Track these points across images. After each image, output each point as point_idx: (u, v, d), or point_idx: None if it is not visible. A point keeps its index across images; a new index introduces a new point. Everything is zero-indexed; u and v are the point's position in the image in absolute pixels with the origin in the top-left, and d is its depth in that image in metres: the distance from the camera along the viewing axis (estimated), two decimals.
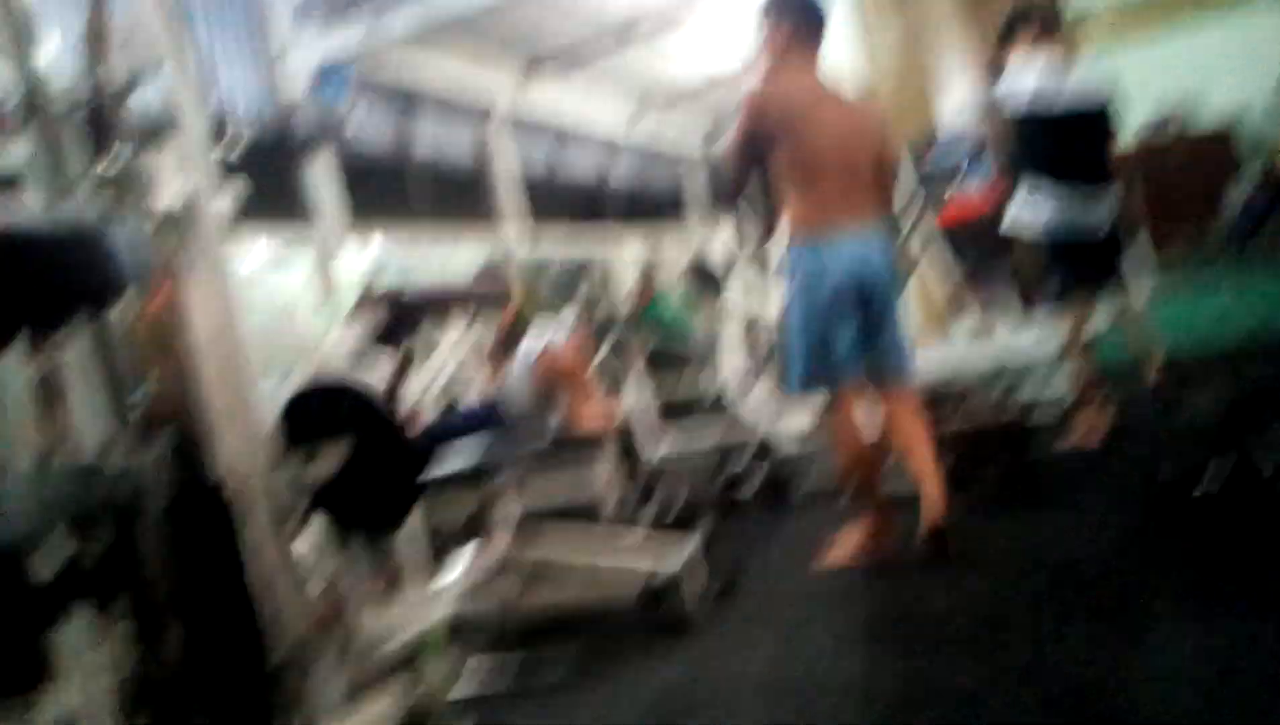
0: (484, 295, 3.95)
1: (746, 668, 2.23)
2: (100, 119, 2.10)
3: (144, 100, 2.19)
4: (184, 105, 2.07)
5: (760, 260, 8.81)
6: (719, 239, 6.22)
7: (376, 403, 2.12)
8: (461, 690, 2.30)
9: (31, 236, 1.40)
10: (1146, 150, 12.97)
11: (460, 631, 2.89)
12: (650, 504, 3.64)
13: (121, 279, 1.56)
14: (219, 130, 2.37)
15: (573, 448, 3.56)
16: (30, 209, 1.91)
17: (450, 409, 4.13)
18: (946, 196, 8.22)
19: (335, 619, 2.26)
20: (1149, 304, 5.64)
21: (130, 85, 2.22)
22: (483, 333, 5.36)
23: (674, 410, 8.06)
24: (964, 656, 2.05)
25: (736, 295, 6.03)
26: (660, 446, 6.34)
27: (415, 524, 2.58)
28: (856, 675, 2.08)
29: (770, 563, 3.12)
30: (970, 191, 7.87)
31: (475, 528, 3.99)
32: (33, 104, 1.80)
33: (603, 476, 3.74)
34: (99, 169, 2.12)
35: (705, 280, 5.95)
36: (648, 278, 11.20)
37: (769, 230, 3.25)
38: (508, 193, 10.60)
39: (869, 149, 2.99)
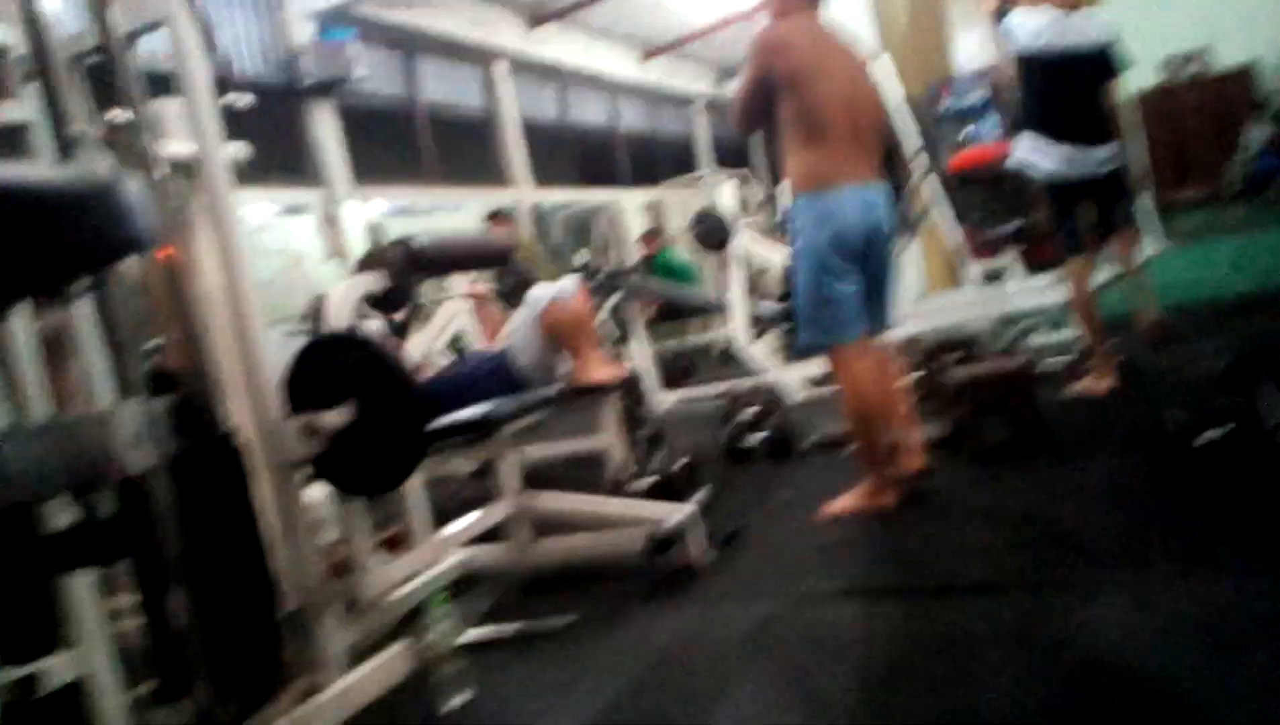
0: (492, 246, 3.94)
1: (750, 617, 2.26)
2: (106, 71, 2.08)
3: (149, 51, 2.18)
4: (188, 55, 2.05)
5: (769, 208, 8.76)
6: (727, 187, 6.17)
7: (385, 355, 2.13)
8: (468, 641, 2.33)
9: (38, 192, 1.40)
10: (1165, 89, 12.83)
11: (467, 583, 2.94)
12: (657, 454, 3.67)
13: (131, 235, 1.56)
14: (224, 80, 2.35)
15: (580, 398, 3.57)
16: (36, 164, 1.91)
17: (458, 359, 4.15)
18: (961, 140, 8.15)
19: (344, 570, 2.29)
20: (1151, 257, 5.61)
21: (134, 36, 2.20)
22: (490, 283, 5.38)
23: (681, 360, 8.09)
24: (964, 606, 2.08)
25: (744, 244, 5.99)
26: (667, 396, 6.37)
27: (423, 476, 2.60)
28: (858, 626, 2.10)
29: (776, 513, 3.14)
30: (983, 139, 7.80)
31: (482, 479, 4.03)
32: (38, 56, 1.79)
33: (610, 427, 3.76)
34: (105, 121, 2.12)
35: (713, 229, 5.91)
36: (656, 226, 11.16)
37: (776, 177, 3.26)
38: (514, 139, 10.51)
39: (873, 106, 3.04)
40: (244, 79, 7.32)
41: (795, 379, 5.58)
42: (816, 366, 5.62)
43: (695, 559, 2.68)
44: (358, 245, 7.53)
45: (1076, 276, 3.99)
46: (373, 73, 8.38)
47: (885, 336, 3.07)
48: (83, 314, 1.68)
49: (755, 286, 7.06)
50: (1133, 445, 2.80)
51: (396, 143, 9.31)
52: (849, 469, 3.31)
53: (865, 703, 1.73)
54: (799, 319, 2.94)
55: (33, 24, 1.79)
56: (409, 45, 9.46)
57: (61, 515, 1.56)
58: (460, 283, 5.14)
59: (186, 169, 2.33)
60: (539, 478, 4.36)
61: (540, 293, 3.61)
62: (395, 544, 2.66)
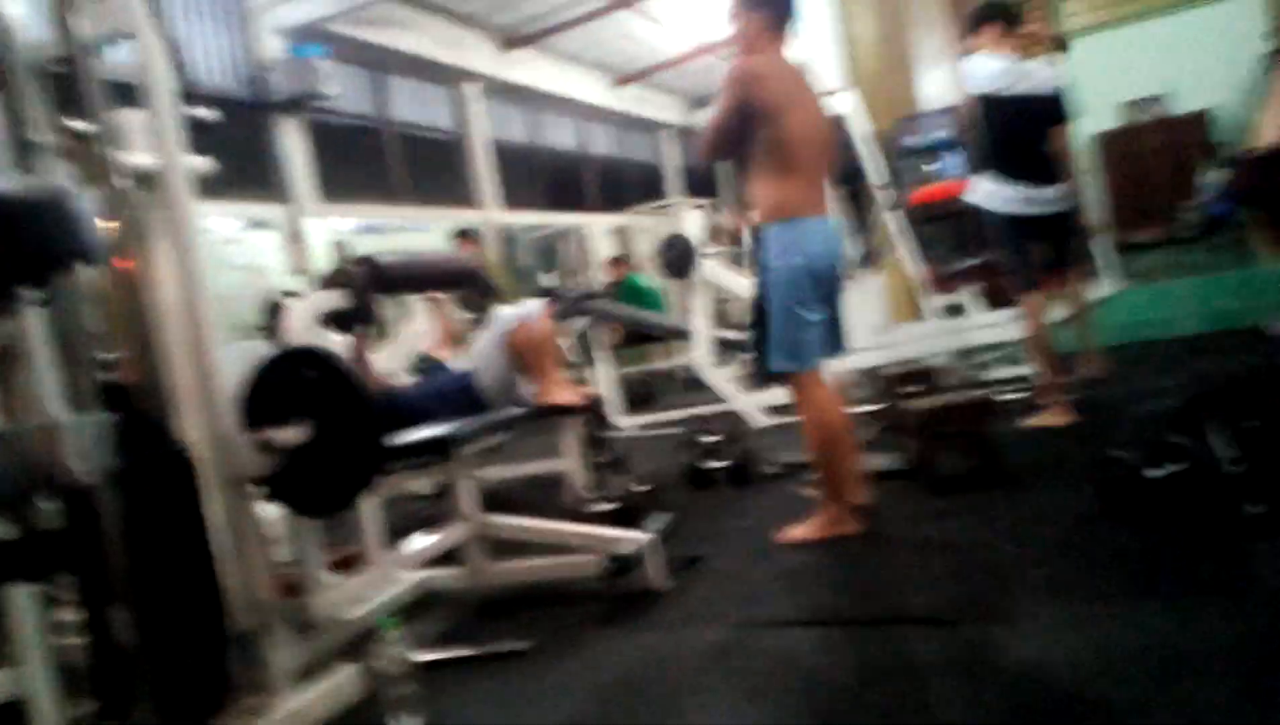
0: (458, 266, 3.93)
1: (706, 643, 2.26)
2: (68, 80, 2.07)
3: (113, 59, 2.16)
4: (153, 66, 2.04)
5: (734, 236, 8.82)
6: (694, 215, 6.22)
7: (344, 371, 2.11)
8: (421, 662, 2.31)
9: None
10: (1124, 132, 13.13)
11: (422, 604, 2.91)
12: (617, 479, 3.66)
13: (77, 246, 1.54)
14: (189, 92, 2.34)
15: (542, 420, 3.56)
16: None
17: (421, 377, 4.13)
18: (924, 175, 8.28)
19: (295, 589, 2.26)
20: (1109, 296, 5.73)
21: (99, 45, 2.19)
22: (455, 303, 5.36)
23: (645, 385, 8.10)
24: (918, 634, 2.09)
25: (710, 271, 6.03)
26: (630, 421, 6.38)
27: (379, 495, 2.58)
28: (811, 653, 2.11)
29: (735, 539, 3.15)
30: (947, 174, 7.93)
31: (441, 500, 4.01)
32: None
33: (571, 450, 3.75)
34: (66, 130, 2.09)
35: (680, 255, 5.95)
36: (623, 251, 11.20)
37: (743, 207, 3.30)
38: (484, 161, 10.52)
39: (827, 141, 3.12)
40: (212, 92, 7.27)
41: (757, 406, 5.61)
42: (778, 394, 5.66)
43: (654, 584, 2.68)
44: (322, 262, 7.48)
45: (1032, 312, 4.08)
46: (343, 90, 8.36)
47: (835, 367, 3.09)
48: (34, 325, 1.65)
49: (720, 314, 7.11)
50: (1084, 479, 2.84)
51: (365, 161, 9.28)
52: (808, 492, 3.33)
53: None
54: (771, 344, 2.94)
55: None
56: (380, 64, 9.46)
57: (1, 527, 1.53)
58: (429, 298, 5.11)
59: (148, 180, 2.31)
60: (498, 500, 4.35)
61: (506, 314, 3.60)
62: (349, 564, 2.63)
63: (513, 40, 10.91)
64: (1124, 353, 5.75)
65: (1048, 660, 1.85)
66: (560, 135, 12.86)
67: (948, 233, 6.60)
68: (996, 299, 5.76)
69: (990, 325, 5.54)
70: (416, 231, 10.06)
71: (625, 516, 3.33)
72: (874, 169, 5.80)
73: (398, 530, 2.99)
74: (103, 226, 1.68)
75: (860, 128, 5.74)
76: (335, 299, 2.62)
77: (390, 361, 4.85)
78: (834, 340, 3.08)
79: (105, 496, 1.64)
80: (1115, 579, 2.21)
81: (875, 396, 4.99)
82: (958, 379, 5.33)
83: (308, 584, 2.21)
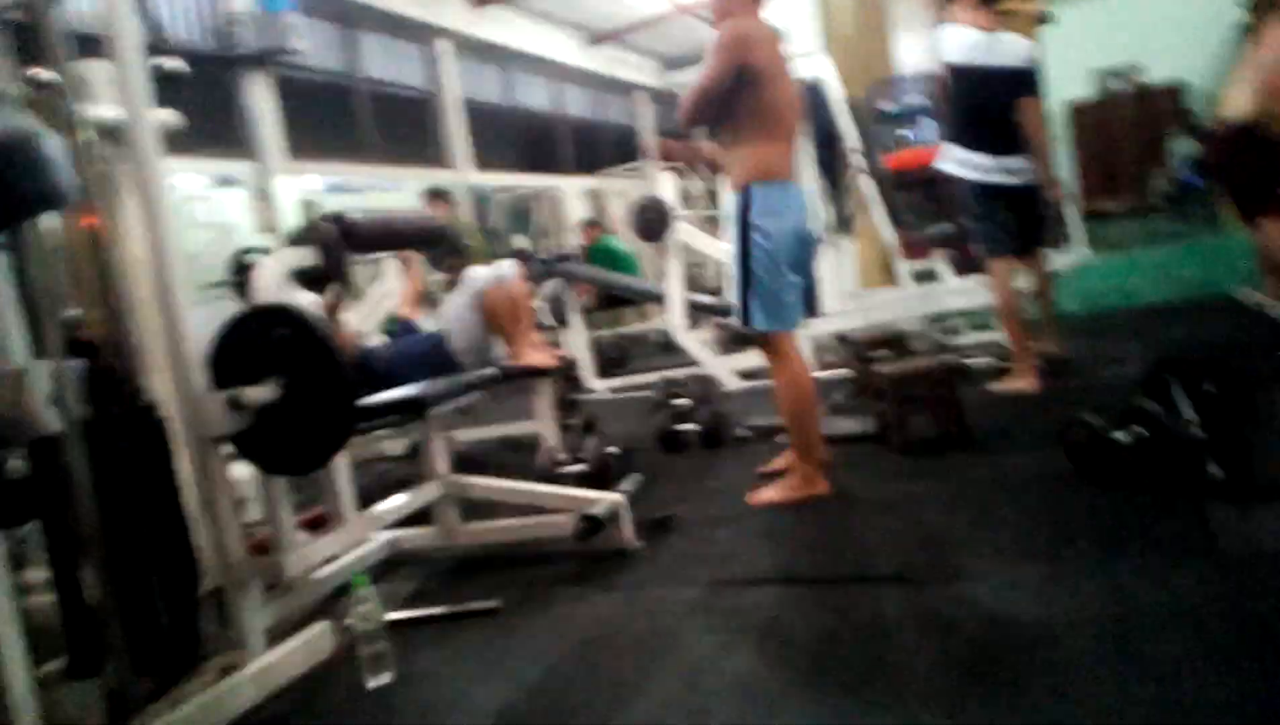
0: (429, 226, 3.90)
1: (676, 602, 2.28)
2: (30, 27, 2.01)
3: (76, 8, 2.11)
4: (117, 15, 1.99)
5: (711, 198, 8.78)
6: (667, 178, 6.19)
7: (315, 329, 2.09)
8: (392, 621, 2.31)
9: None
10: (1096, 103, 13.20)
11: (393, 564, 2.91)
12: (589, 441, 3.67)
13: (49, 190, 1.51)
14: (155, 44, 2.29)
15: (514, 382, 3.56)
16: None
17: (393, 338, 4.10)
18: (899, 139, 8.29)
19: (266, 548, 2.26)
20: (1071, 265, 5.79)
21: None
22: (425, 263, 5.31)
23: (617, 348, 8.10)
24: (885, 592, 2.12)
25: (683, 235, 6.02)
26: (602, 384, 6.38)
27: (349, 455, 2.57)
28: (780, 611, 2.14)
29: (705, 500, 3.17)
30: (921, 141, 7.94)
31: (412, 460, 4.00)
32: None
33: (543, 412, 3.75)
34: (27, 80, 2.05)
35: (653, 219, 5.92)
36: (596, 214, 11.14)
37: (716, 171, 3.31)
38: (456, 120, 10.39)
39: (798, 109, 3.13)
40: (179, 45, 7.11)
41: (729, 369, 5.63)
42: (749, 358, 5.68)
43: (625, 544, 2.70)
44: (291, 220, 7.39)
45: (1000, 278, 4.13)
46: (312, 45, 8.22)
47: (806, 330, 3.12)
48: None
49: (693, 277, 7.10)
50: (1051, 443, 2.88)
51: (335, 118, 9.15)
52: (779, 454, 3.36)
53: (785, 684, 1.76)
54: (755, 303, 2.93)
55: None
56: (350, 19, 9.30)
57: None
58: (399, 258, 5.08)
59: (113, 134, 2.27)
60: (470, 461, 4.35)
61: (478, 275, 3.58)
62: (320, 523, 2.63)
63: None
64: (1092, 320, 5.83)
65: (1013, 618, 1.88)
66: (534, 95, 12.73)
67: (921, 199, 6.62)
68: (968, 265, 5.80)
69: (961, 291, 5.58)
70: (387, 190, 9.94)
71: (597, 478, 3.34)
72: (848, 134, 5.79)
73: (369, 491, 2.99)
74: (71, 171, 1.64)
75: (835, 92, 5.72)
76: (305, 256, 2.59)
77: (361, 321, 4.81)
78: (807, 304, 3.10)
79: (72, 447, 1.62)
80: (1081, 539, 2.25)
81: (846, 361, 5.03)
82: (928, 344, 5.38)
83: (279, 543, 2.21)
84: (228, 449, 2.10)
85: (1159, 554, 2.09)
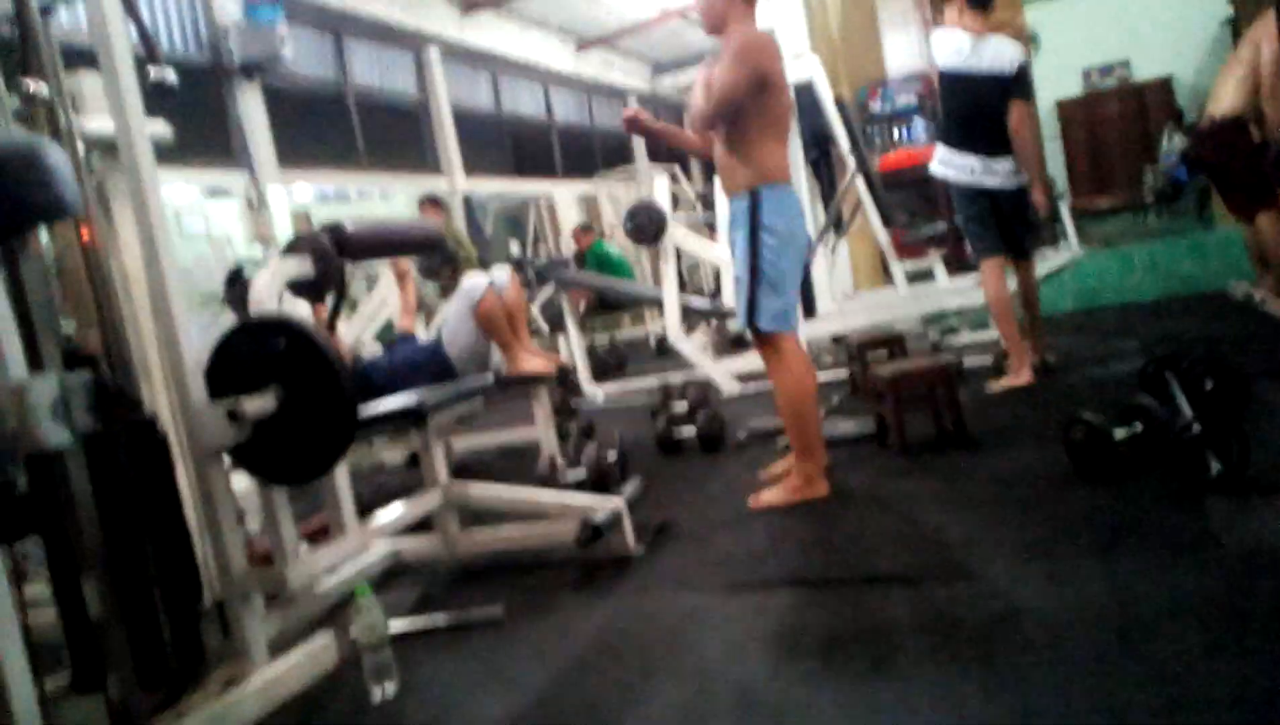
0: (423, 233, 3.89)
1: (679, 607, 2.28)
2: (22, 39, 2.01)
3: (70, 22, 2.11)
4: (108, 27, 1.98)
5: (705, 203, 8.78)
6: (661, 182, 6.19)
7: (313, 339, 2.09)
8: (399, 630, 2.31)
9: None
10: (1085, 99, 13.25)
11: (395, 573, 2.90)
12: (588, 446, 3.67)
13: (53, 200, 1.50)
14: (147, 55, 2.28)
15: (512, 388, 3.56)
16: None
17: (390, 347, 4.10)
18: (891, 139, 8.32)
19: (268, 559, 2.25)
20: (1063, 264, 5.81)
21: (51, 5, 2.13)
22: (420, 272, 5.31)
23: (613, 353, 8.10)
24: (888, 593, 2.12)
25: (678, 238, 6.02)
26: (599, 389, 6.38)
27: (350, 464, 2.56)
28: (783, 615, 2.14)
29: (705, 505, 3.16)
30: (914, 142, 7.97)
31: (412, 469, 3.99)
32: None
33: (541, 418, 3.75)
34: (19, 93, 2.04)
35: (647, 223, 5.93)
36: (590, 219, 11.15)
37: (710, 174, 3.33)
38: (446, 127, 10.38)
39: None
40: (167, 56, 7.10)
41: (726, 373, 5.63)
42: (747, 362, 5.69)
43: (626, 550, 2.69)
44: (283, 230, 7.37)
45: (991, 277, 4.18)
46: (301, 54, 8.21)
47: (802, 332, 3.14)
48: None
49: (688, 281, 7.10)
50: (1050, 441, 2.88)
51: (325, 127, 9.12)
52: (776, 460, 3.36)
53: (790, 689, 1.75)
54: (764, 303, 2.93)
55: None
56: (339, 27, 9.28)
57: None
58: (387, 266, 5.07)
59: (107, 146, 2.26)
60: (469, 468, 4.34)
61: (474, 282, 3.58)
62: (321, 534, 2.62)
63: (472, 3, 10.74)
64: (1086, 317, 5.84)
65: (1016, 617, 1.88)
66: (525, 101, 12.72)
67: (914, 199, 6.64)
68: (962, 265, 5.82)
69: (956, 291, 5.60)
70: (379, 199, 9.93)
71: (597, 484, 3.34)
72: (840, 135, 5.80)
73: (370, 501, 2.98)
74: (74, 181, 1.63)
75: (825, 93, 5.73)
76: (301, 266, 2.58)
77: (358, 332, 4.81)
78: (803, 306, 3.12)
79: (72, 461, 1.62)
80: (1082, 537, 2.26)
81: (843, 362, 5.03)
82: (925, 344, 5.39)
83: (280, 554, 2.20)
84: (227, 460, 2.09)
85: (1160, 550, 2.09)
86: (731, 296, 3.28)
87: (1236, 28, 7.86)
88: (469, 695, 2.00)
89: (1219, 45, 11.49)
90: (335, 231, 2.70)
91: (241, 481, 2.30)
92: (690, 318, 6.31)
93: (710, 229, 7.64)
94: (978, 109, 4.10)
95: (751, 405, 4.84)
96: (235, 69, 7.56)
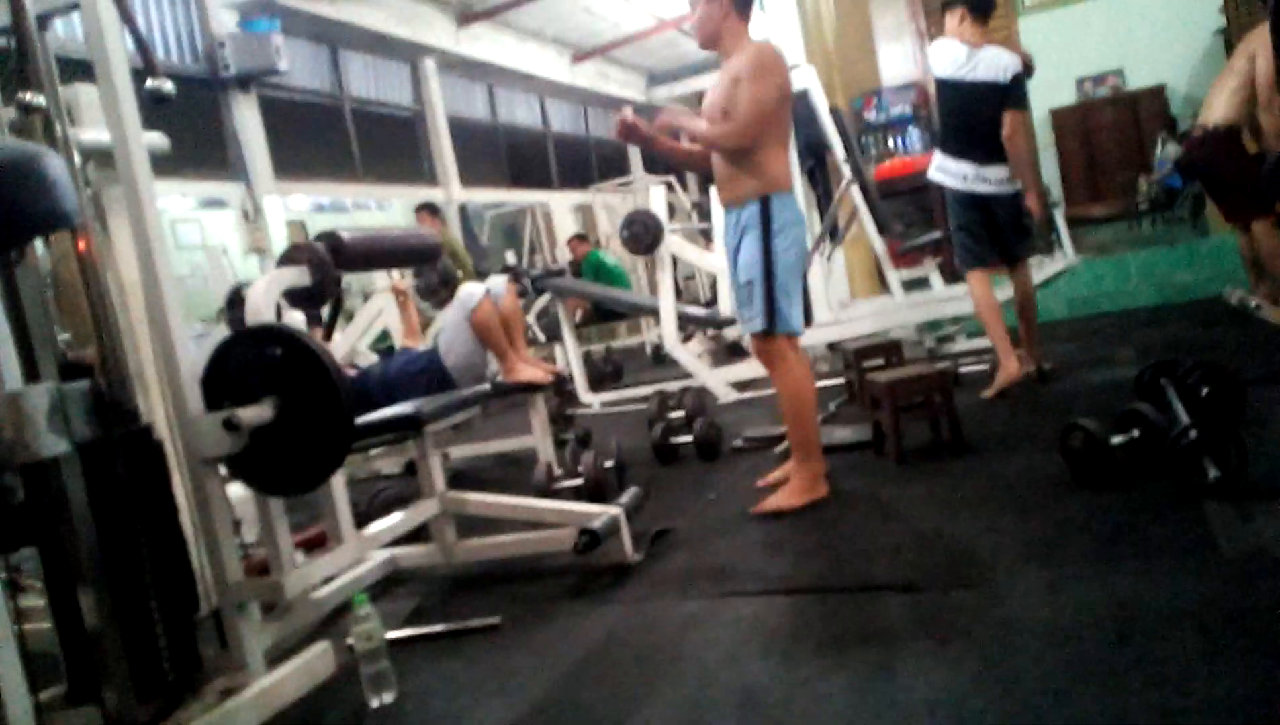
0: (420, 242, 3.89)
1: (678, 614, 2.28)
2: (18, 50, 2.01)
3: (67, 33, 2.11)
4: (105, 38, 1.98)
5: (700, 212, 8.80)
6: (656, 192, 6.20)
7: (309, 349, 2.08)
8: (393, 640, 2.30)
9: None
10: (1078, 108, 13.30)
11: (392, 582, 2.90)
12: (584, 455, 3.66)
13: (54, 210, 1.50)
14: (145, 67, 2.28)
15: (508, 397, 3.56)
16: None
17: (385, 357, 4.09)
18: (886, 148, 8.35)
19: (264, 569, 2.24)
20: (1058, 271, 5.84)
21: (48, 18, 2.13)
22: (412, 280, 5.31)
23: (610, 361, 8.10)
24: (888, 601, 2.12)
25: (674, 247, 6.03)
26: (596, 397, 6.37)
27: (345, 474, 2.56)
28: (782, 623, 2.14)
29: (703, 512, 3.16)
30: (909, 151, 7.99)
31: (409, 477, 3.98)
32: None
33: (537, 427, 3.74)
34: (16, 104, 2.04)
35: (643, 232, 5.93)
36: (585, 228, 11.16)
37: (706, 184, 3.37)
38: (442, 138, 10.40)
39: None
40: (163, 67, 7.11)
41: (722, 381, 5.63)
42: (742, 369, 5.69)
43: (624, 557, 2.69)
44: (279, 241, 7.38)
45: (977, 284, 4.27)
46: (297, 66, 8.23)
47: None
48: None
49: (683, 290, 7.11)
50: (1047, 448, 2.88)
51: (321, 138, 9.15)
52: (774, 468, 3.35)
53: (790, 694, 1.75)
54: (777, 307, 2.96)
55: None
56: (335, 39, 9.31)
57: None
58: (383, 279, 5.08)
59: (103, 157, 2.26)
60: (465, 477, 4.33)
61: (471, 292, 3.59)
62: (318, 543, 2.62)
63: (469, 15, 10.78)
64: (1081, 325, 5.85)
65: (1015, 622, 1.88)
66: (521, 112, 12.76)
67: (910, 207, 6.65)
68: (958, 273, 5.83)
69: (952, 298, 5.60)
70: (375, 209, 9.94)
71: (594, 492, 3.34)
72: (835, 144, 5.81)
73: (366, 510, 2.97)
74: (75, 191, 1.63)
75: (821, 103, 5.75)
76: (297, 276, 2.58)
77: (353, 341, 4.80)
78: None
79: (67, 471, 1.61)
80: (1081, 543, 2.26)
81: (839, 370, 5.04)
82: (922, 352, 5.39)
83: (277, 563, 2.19)
84: (224, 470, 2.09)
85: (1159, 556, 2.09)
86: (730, 305, 3.30)
87: (1229, 37, 7.90)
88: (467, 703, 1.99)
89: (1212, 54, 11.55)
90: (331, 240, 2.70)
91: (238, 491, 2.30)
92: (686, 326, 6.31)
93: (705, 238, 7.65)
94: (973, 117, 4.16)
95: (747, 413, 4.84)
96: (231, 80, 7.58)
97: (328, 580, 2.49)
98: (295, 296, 2.60)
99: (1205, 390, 2.69)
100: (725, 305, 5.73)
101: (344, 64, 9.46)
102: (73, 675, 1.71)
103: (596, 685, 1.97)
